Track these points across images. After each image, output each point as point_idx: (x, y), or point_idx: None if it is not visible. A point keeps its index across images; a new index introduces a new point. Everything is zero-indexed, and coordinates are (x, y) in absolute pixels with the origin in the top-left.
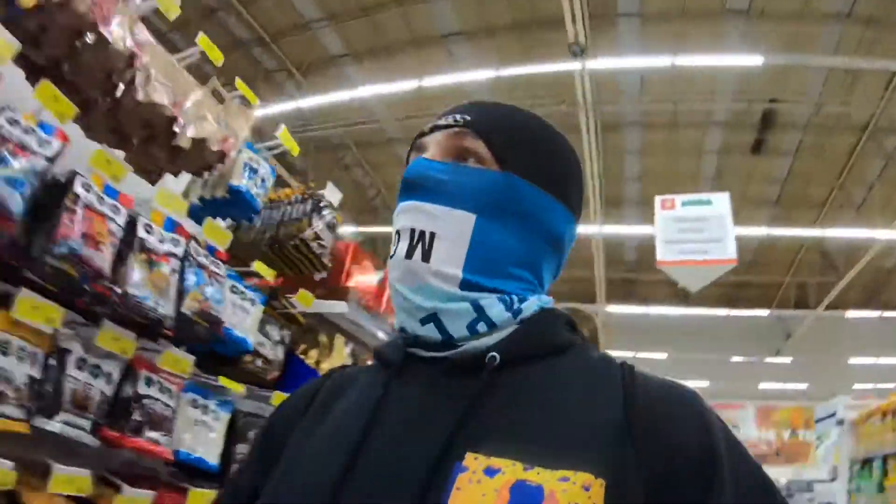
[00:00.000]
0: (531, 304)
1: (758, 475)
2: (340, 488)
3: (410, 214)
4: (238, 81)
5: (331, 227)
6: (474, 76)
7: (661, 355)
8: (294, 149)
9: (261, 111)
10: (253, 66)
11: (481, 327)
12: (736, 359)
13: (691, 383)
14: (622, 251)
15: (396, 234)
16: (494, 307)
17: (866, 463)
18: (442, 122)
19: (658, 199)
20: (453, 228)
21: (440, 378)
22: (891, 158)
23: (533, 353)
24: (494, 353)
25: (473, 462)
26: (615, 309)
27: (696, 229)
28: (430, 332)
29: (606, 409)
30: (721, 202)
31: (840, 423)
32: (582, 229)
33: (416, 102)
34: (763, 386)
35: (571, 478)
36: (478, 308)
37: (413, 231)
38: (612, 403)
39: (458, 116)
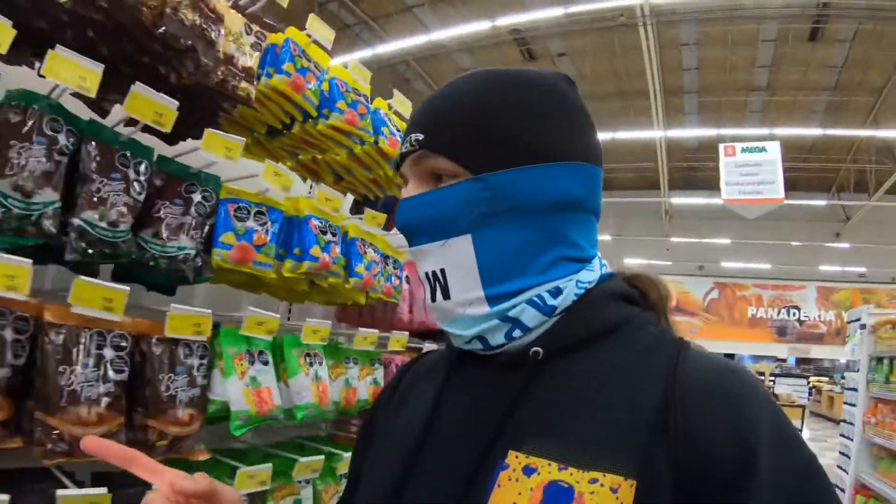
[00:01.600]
0: (567, 294)
1: (806, 477)
2: (400, 488)
3: (418, 260)
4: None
5: None
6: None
7: (725, 240)
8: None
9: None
10: (331, 21)
11: (517, 333)
12: (796, 243)
13: (754, 265)
14: (683, 141)
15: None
16: (525, 313)
17: (880, 361)
18: (404, 148)
19: (721, 147)
20: (456, 257)
21: (490, 375)
22: None
23: (576, 343)
24: (538, 349)
25: (514, 460)
26: (679, 200)
27: (752, 173)
28: (474, 346)
29: (646, 402)
30: (773, 149)
31: (863, 327)
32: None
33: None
34: (823, 268)
35: (601, 479)
36: (509, 319)
37: (427, 275)
38: (653, 394)
39: (413, 139)
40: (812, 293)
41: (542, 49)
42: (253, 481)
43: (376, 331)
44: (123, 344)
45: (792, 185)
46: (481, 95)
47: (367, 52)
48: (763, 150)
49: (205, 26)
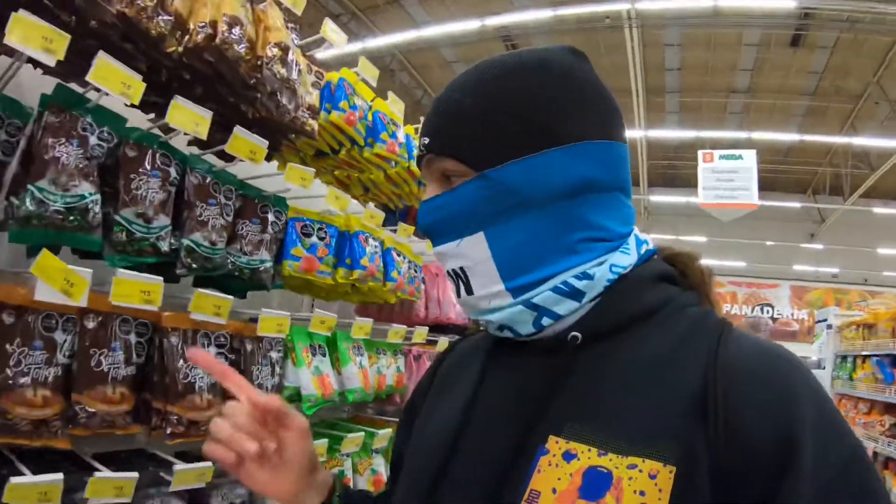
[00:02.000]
0: (599, 280)
1: (850, 470)
2: (443, 471)
3: (440, 259)
4: None
5: None
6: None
7: (701, 238)
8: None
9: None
10: (318, 10)
11: (546, 321)
12: (771, 242)
13: (729, 263)
14: (663, 139)
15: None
16: (550, 299)
17: (844, 359)
18: (417, 151)
19: (700, 154)
20: (473, 254)
21: (529, 361)
22: None
23: (614, 327)
24: (576, 333)
25: (555, 446)
26: (658, 198)
27: (728, 179)
28: (506, 335)
29: (686, 387)
30: (749, 157)
31: (829, 327)
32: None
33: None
34: (797, 268)
35: (639, 465)
36: (534, 307)
37: (450, 273)
38: (693, 379)
39: (422, 143)
40: (786, 292)
41: (526, 45)
42: None
43: (404, 326)
44: (223, 342)
45: (769, 186)
46: (479, 90)
47: (356, 45)
48: (740, 157)
49: (291, 77)
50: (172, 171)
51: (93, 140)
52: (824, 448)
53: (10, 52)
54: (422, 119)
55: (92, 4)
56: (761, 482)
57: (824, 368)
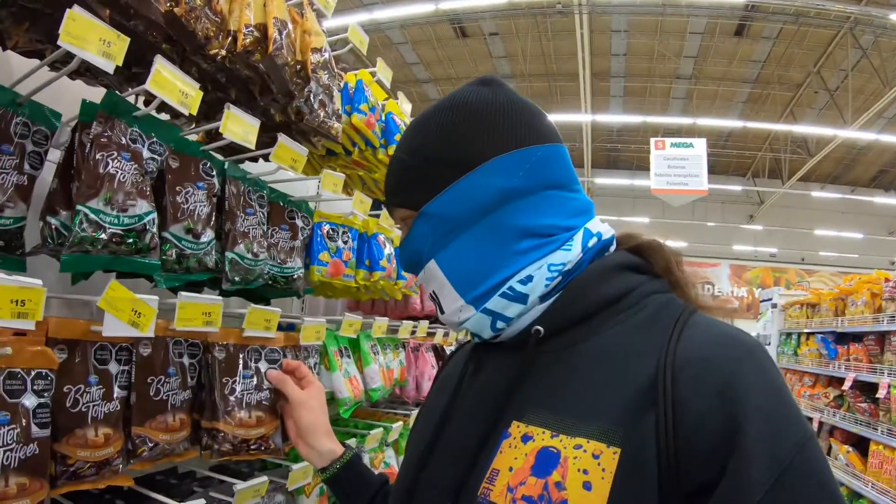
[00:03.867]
0: (538, 281)
1: (800, 449)
2: (427, 457)
3: (425, 288)
4: None
5: None
6: None
7: (644, 219)
8: None
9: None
10: None
11: (500, 325)
12: (712, 223)
13: (671, 243)
14: (608, 124)
15: None
16: (499, 304)
17: (789, 336)
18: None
19: (652, 141)
20: (434, 279)
21: (499, 357)
22: (866, 52)
23: (575, 318)
24: (538, 328)
25: (516, 430)
26: (602, 180)
27: (680, 166)
28: (476, 339)
29: (641, 372)
30: (700, 145)
31: (774, 306)
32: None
33: None
34: (737, 247)
35: (584, 445)
36: (488, 312)
37: (430, 296)
38: (648, 365)
39: (385, 200)
40: (726, 270)
41: (474, 28)
42: None
43: (412, 322)
44: (276, 357)
45: (710, 169)
46: (411, 145)
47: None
48: (690, 145)
49: (332, 85)
50: (216, 182)
51: (146, 153)
52: (775, 433)
53: (34, 52)
54: None
55: (139, 1)
56: (708, 464)
57: (769, 345)
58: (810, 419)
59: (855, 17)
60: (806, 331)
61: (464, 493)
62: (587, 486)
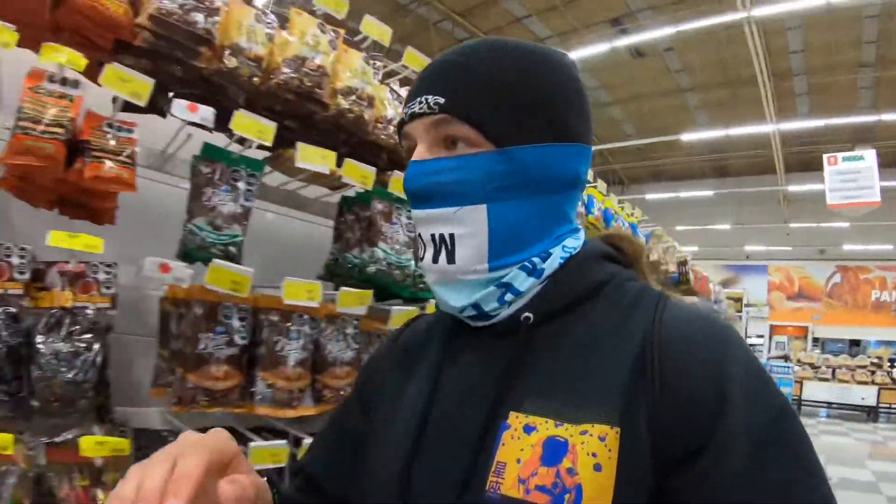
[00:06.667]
0: (554, 258)
1: (777, 419)
2: (415, 454)
3: (426, 223)
4: None
5: None
6: None
7: (844, 224)
8: None
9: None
10: None
11: (508, 297)
12: None
13: (877, 247)
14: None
15: (420, 238)
16: (518, 277)
17: None
18: (417, 108)
19: (825, 158)
20: (469, 224)
21: (487, 343)
22: None
23: (564, 305)
24: (528, 314)
25: (515, 421)
26: (796, 187)
27: (852, 179)
28: (469, 313)
29: (629, 352)
30: (870, 157)
31: None
32: None
33: None
34: None
35: (590, 430)
36: (503, 285)
37: (434, 236)
38: (635, 344)
39: (431, 101)
40: None
41: (648, 47)
42: None
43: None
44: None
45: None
46: (506, 67)
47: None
48: (861, 158)
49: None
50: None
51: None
52: (754, 404)
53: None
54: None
55: (359, 128)
56: (695, 432)
57: None
58: None
59: None
60: None
61: (469, 487)
62: (597, 467)
